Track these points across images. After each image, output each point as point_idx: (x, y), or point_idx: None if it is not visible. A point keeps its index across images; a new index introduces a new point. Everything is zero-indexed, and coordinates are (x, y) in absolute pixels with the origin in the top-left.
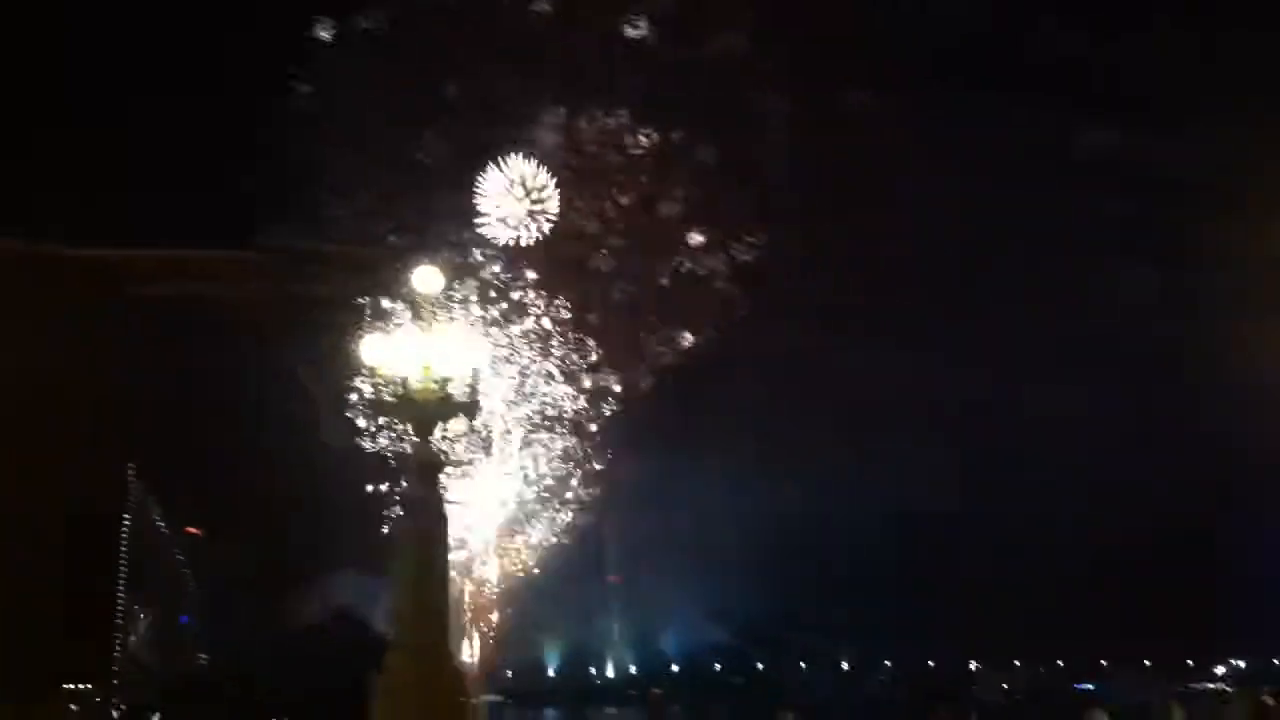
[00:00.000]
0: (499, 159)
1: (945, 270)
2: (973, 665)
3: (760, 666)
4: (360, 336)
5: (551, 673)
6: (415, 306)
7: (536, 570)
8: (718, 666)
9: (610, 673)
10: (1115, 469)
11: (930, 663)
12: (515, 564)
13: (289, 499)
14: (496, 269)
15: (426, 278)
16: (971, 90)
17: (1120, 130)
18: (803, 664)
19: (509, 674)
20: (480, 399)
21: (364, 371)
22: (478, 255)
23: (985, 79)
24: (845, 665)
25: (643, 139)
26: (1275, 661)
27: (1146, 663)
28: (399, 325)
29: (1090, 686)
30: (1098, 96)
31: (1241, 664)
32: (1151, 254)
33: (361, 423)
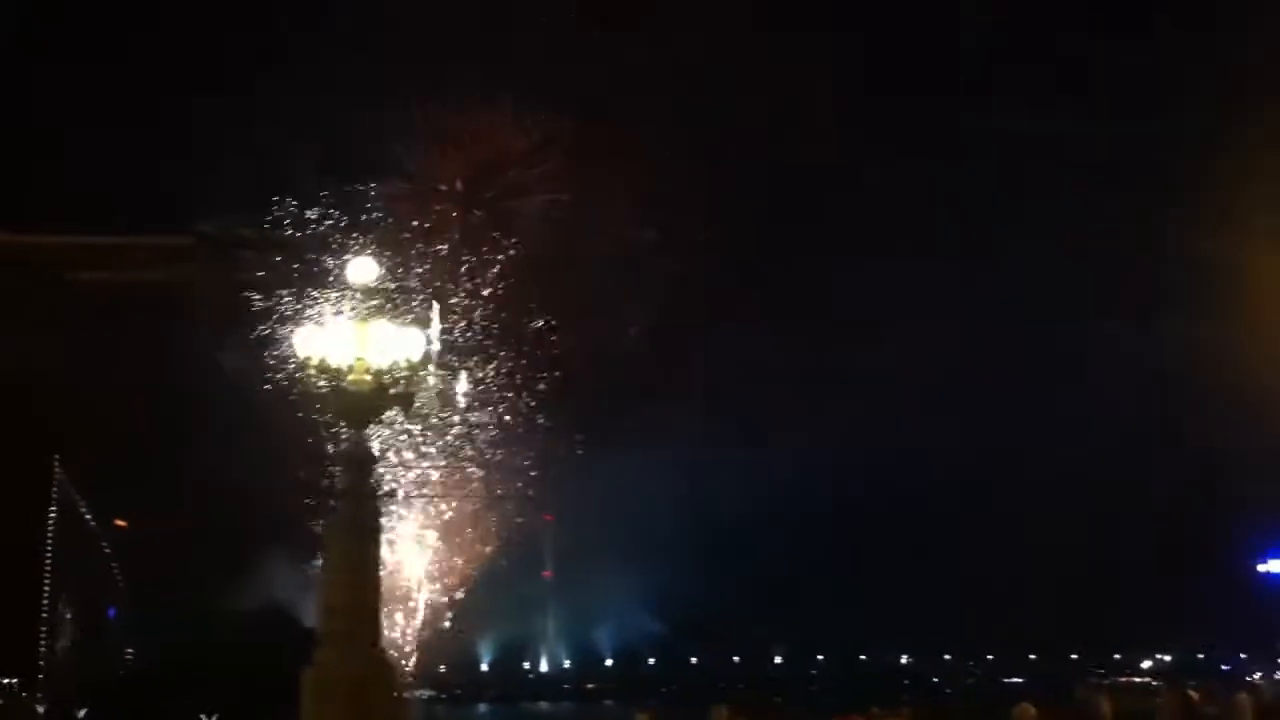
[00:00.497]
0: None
1: (893, 264)
2: (904, 659)
3: (694, 660)
4: (296, 326)
5: (485, 667)
6: (351, 297)
7: (470, 566)
8: (651, 660)
9: (544, 667)
10: (1047, 466)
11: (862, 656)
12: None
13: (221, 490)
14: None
15: (362, 268)
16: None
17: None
18: (736, 657)
19: (442, 669)
20: (416, 391)
21: (299, 362)
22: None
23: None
24: (778, 659)
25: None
26: (1200, 656)
27: (1074, 657)
28: (335, 315)
29: (1019, 680)
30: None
31: (1167, 658)
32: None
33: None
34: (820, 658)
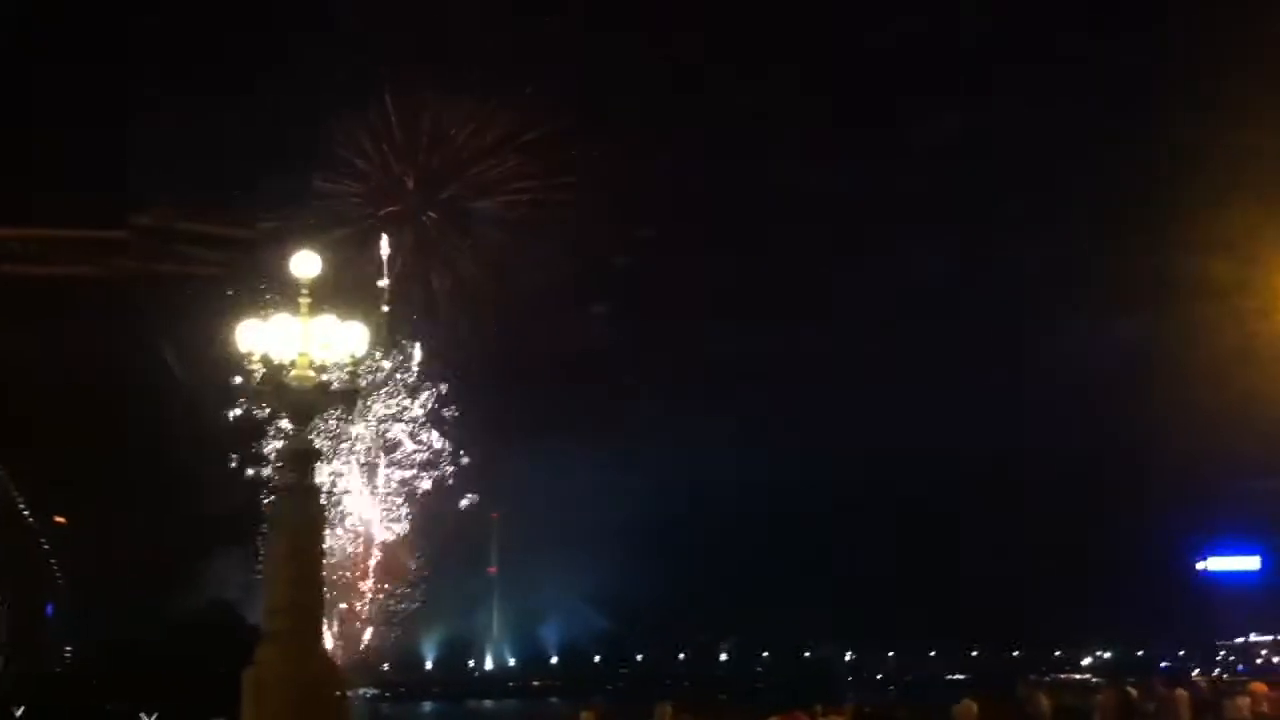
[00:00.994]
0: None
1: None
2: (848, 656)
3: (640, 657)
4: (237, 320)
5: (429, 665)
6: (294, 291)
7: (414, 565)
8: (597, 658)
9: (489, 665)
10: (990, 467)
11: (807, 654)
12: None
13: (163, 487)
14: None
15: (305, 262)
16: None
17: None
18: (681, 655)
19: (386, 667)
20: (360, 387)
21: (240, 357)
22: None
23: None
24: (724, 656)
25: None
26: (1139, 653)
27: (1015, 654)
28: (277, 310)
29: (962, 677)
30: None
31: (1107, 655)
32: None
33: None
34: (765, 655)
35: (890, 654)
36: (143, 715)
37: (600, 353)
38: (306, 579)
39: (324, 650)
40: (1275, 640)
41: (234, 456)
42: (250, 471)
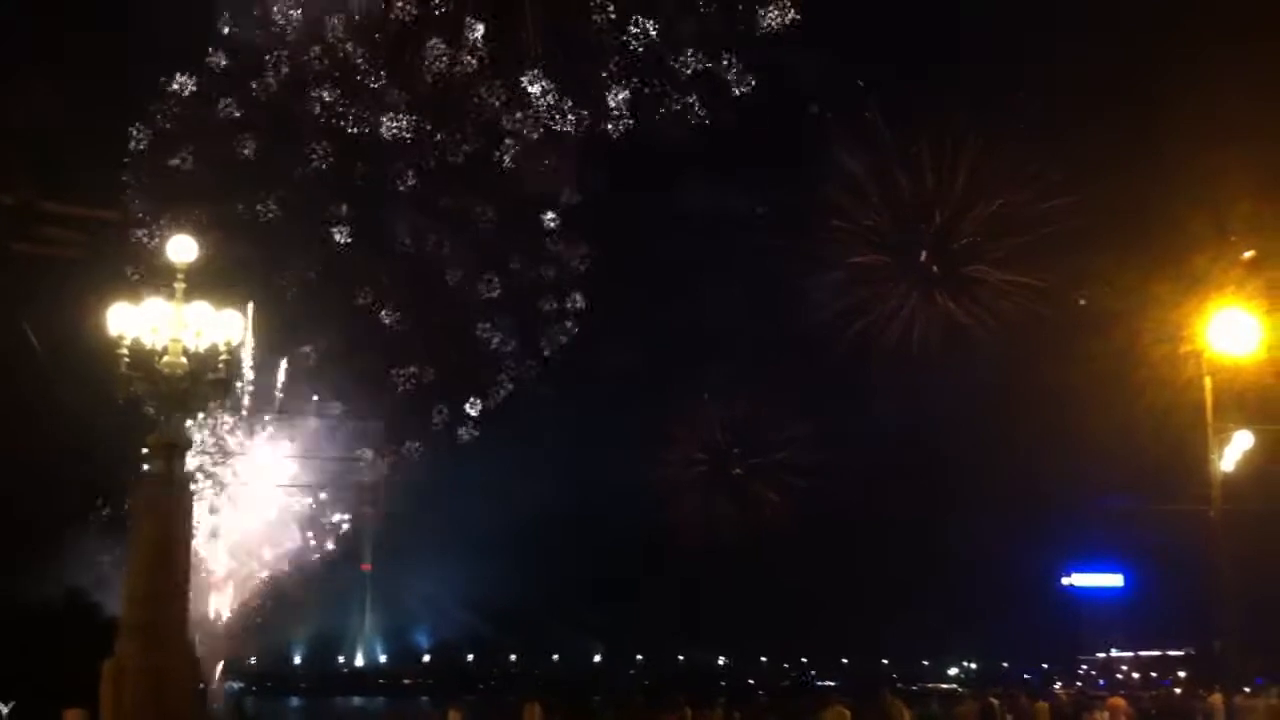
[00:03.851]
0: None
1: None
2: (721, 660)
3: (513, 658)
4: (106, 303)
5: (297, 660)
6: (167, 275)
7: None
8: (470, 657)
9: (359, 661)
10: (863, 475)
11: (680, 657)
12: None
13: (18, 470)
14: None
15: (181, 246)
16: None
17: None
18: (555, 656)
19: (252, 661)
20: (234, 377)
21: (109, 340)
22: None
23: None
24: (597, 658)
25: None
26: (1004, 664)
27: (884, 661)
28: (149, 294)
29: (832, 683)
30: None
31: (973, 665)
32: None
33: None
34: (640, 658)
35: (763, 659)
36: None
37: (480, 345)
38: (169, 569)
39: (185, 641)
40: (1135, 656)
41: (98, 441)
42: (112, 457)
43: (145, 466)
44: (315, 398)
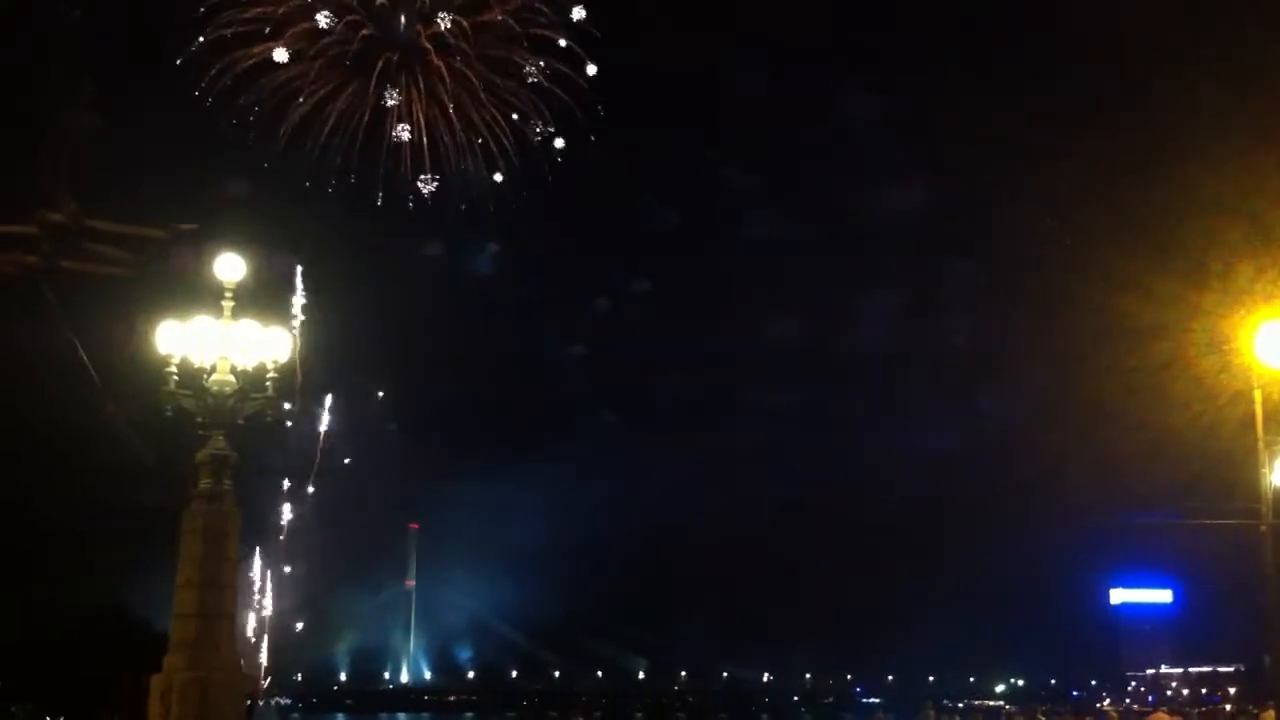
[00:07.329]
0: None
1: None
2: (765, 676)
3: (556, 674)
4: (155, 322)
5: (343, 677)
6: (216, 294)
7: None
8: (514, 673)
9: (405, 678)
10: (910, 506)
11: (725, 674)
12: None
13: (62, 487)
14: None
15: (229, 265)
16: None
17: None
18: (599, 672)
19: (298, 677)
20: (283, 396)
21: (159, 359)
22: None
23: None
24: (641, 674)
25: None
26: (1052, 681)
27: (931, 679)
28: (199, 313)
29: (877, 700)
30: None
31: (1020, 682)
32: None
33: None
34: (684, 674)
35: (808, 675)
36: (47, 719)
37: (521, 369)
38: (218, 585)
39: (232, 657)
40: (1185, 673)
41: (149, 459)
42: (163, 475)
43: (198, 484)
44: None
